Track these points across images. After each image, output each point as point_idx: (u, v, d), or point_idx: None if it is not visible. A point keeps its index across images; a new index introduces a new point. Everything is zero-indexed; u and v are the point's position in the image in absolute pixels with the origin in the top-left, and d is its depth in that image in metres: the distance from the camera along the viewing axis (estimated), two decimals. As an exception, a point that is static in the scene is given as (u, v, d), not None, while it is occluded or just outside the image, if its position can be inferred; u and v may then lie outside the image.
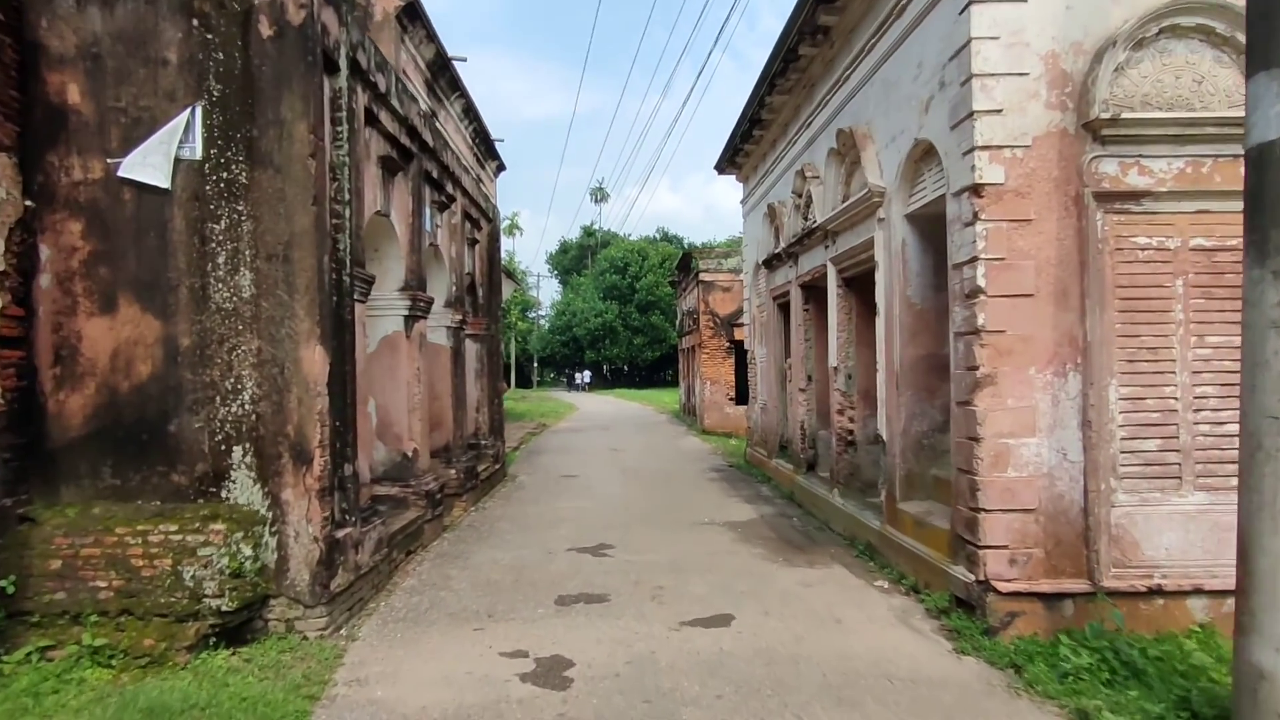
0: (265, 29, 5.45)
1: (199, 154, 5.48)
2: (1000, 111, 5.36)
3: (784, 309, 11.86)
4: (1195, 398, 5.32)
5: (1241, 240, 5.31)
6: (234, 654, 5.04)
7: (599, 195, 78.11)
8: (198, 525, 5.20)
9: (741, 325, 18.63)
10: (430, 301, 8.80)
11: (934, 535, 6.16)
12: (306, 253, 5.48)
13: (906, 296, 6.94)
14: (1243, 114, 5.24)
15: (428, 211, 8.99)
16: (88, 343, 5.52)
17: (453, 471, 9.91)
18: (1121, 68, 5.34)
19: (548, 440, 21.20)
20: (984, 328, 5.34)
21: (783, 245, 11.09)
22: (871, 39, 7.37)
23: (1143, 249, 5.36)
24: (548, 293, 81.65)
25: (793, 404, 11.21)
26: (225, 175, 5.48)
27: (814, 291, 10.31)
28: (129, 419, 5.49)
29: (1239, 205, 5.33)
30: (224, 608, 5.03)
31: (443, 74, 12.42)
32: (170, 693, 4.36)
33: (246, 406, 5.47)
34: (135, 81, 5.51)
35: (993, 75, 5.36)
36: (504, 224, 26.40)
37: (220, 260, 5.49)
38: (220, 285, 5.49)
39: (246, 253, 5.48)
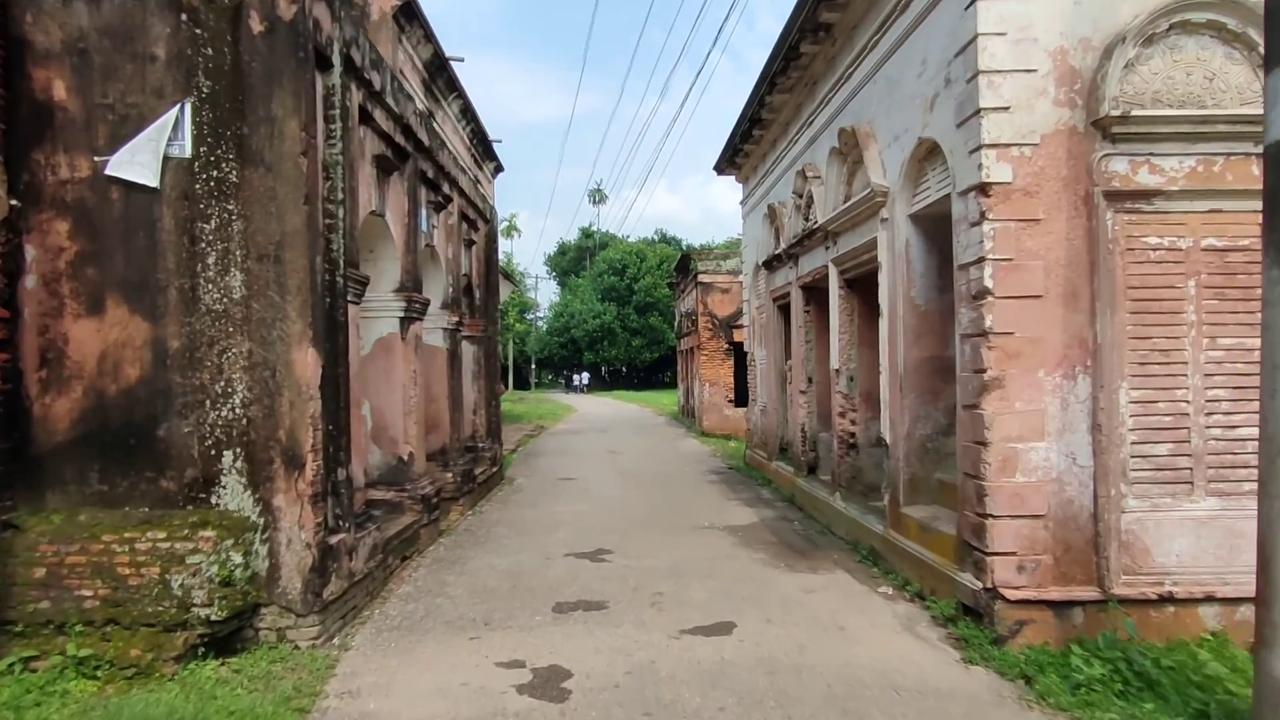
0: (256, 24, 5.33)
1: (188, 152, 5.35)
2: (1008, 109, 5.25)
3: (784, 310, 11.75)
4: (1207, 401, 5.21)
5: (1255, 240, 5.26)
6: (223, 664, 4.91)
7: (597, 197, 77.96)
8: (186, 532, 5.07)
9: (740, 327, 18.51)
10: (426, 303, 8.67)
11: (939, 541, 6.04)
12: (298, 253, 5.36)
13: (910, 298, 6.83)
14: (1255, 111, 5.18)
15: (424, 212, 8.87)
16: (75, 345, 5.38)
17: (449, 475, 9.79)
18: (1131, 64, 5.23)
19: (546, 442, 21.07)
20: (991, 329, 5.22)
21: (783, 246, 10.97)
22: (874, 36, 7.26)
23: (1154, 249, 5.25)
24: (546, 294, 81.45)
25: (793, 406, 11.10)
26: (215, 173, 5.35)
27: (815, 293, 10.20)
28: (117, 423, 5.35)
29: (1251, 204, 5.27)
30: (213, 617, 4.89)
31: (440, 74, 12.30)
32: (155, 705, 4.23)
33: (237, 410, 5.34)
34: (123, 77, 5.38)
35: (1000, 72, 5.25)
36: (502, 225, 26.21)
37: (210, 260, 5.37)
38: (210, 286, 5.37)
39: (237, 253, 5.35)
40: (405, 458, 8.24)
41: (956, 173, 5.66)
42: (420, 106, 9.64)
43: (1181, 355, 5.23)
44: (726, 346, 22.71)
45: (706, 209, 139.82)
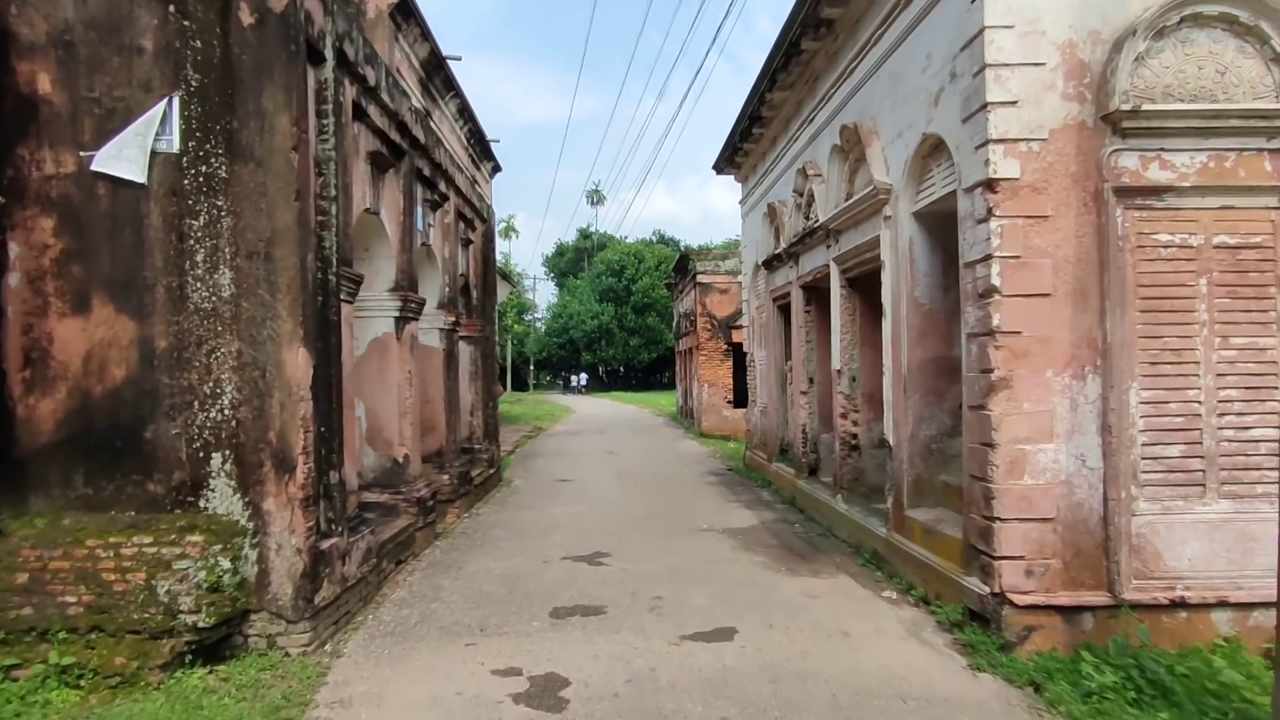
0: (245, 16, 5.20)
1: (176, 147, 5.22)
2: (1015, 103, 5.13)
3: (784, 310, 11.63)
4: (1220, 401, 5.09)
5: (1268, 237, 5.16)
6: (211, 673, 4.77)
7: (595, 198, 77.85)
8: (174, 537, 4.93)
9: (739, 327, 18.41)
10: (422, 302, 8.55)
11: (945, 544, 5.92)
12: (289, 250, 5.23)
13: (914, 297, 6.71)
14: (1268, 106, 5.08)
15: (420, 210, 8.75)
16: (59, 345, 5.25)
17: (445, 477, 9.66)
18: (1142, 58, 5.11)
19: (543, 444, 20.93)
20: (999, 328, 5.10)
21: (783, 245, 10.86)
22: (877, 30, 7.14)
23: (1165, 246, 5.13)
24: (544, 296, 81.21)
25: (794, 407, 10.97)
26: (204, 169, 5.22)
27: (816, 292, 10.08)
28: (102, 425, 5.22)
29: (1264, 201, 5.17)
30: (200, 624, 4.76)
31: (437, 73, 12.16)
32: (139, 716, 4.11)
33: (226, 412, 5.21)
34: (109, 70, 5.25)
35: (1007, 65, 5.14)
36: (500, 227, 26.09)
37: (199, 258, 5.23)
38: (199, 284, 5.23)
39: (226, 250, 5.22)
40: (400, 460, 8.11)
41: (962, 169, 5.54)
42: (417, 104, 9.52)
43: (1193, 355, 5.11)
44: (725, 347, 22.59)
45: (704, 210, 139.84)
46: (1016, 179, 5.12)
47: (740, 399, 20.69)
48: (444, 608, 6.24)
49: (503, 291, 22.15)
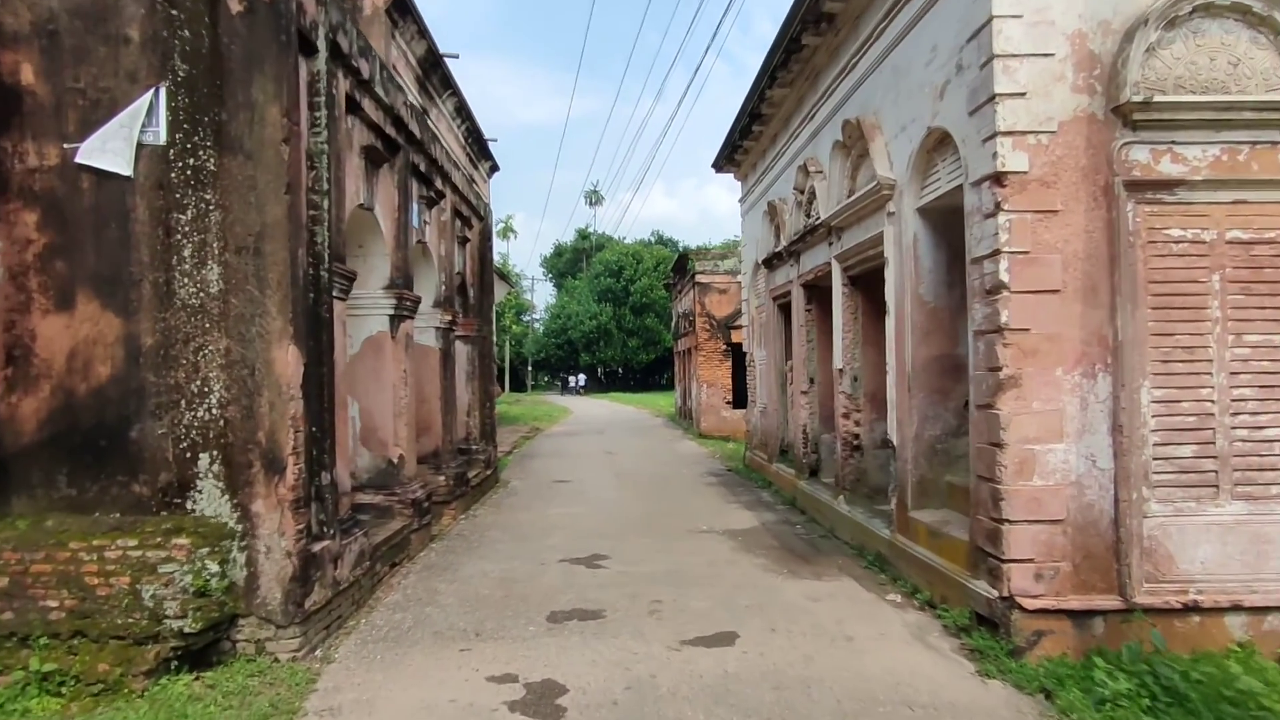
0: (234, 5, 5.07)
1: (163, 139, 5.09)
2: (1024, 95, 5.01)
3: (785, 309, 11.50)
4: (1233, 400, 4.97)
5: (1284, 231, 5.03)
6: (197, 679, 4.63)
7: (594, 198, 77.69)
8: (159, 540, 4.79)
9: (739, 327, 18.28)
10: (417, 301, 8.41)
11: (951, 546, 5.79)
12: (279, 245, 5.09)
13: (919, 294, 6.59)
14: (1283, 97, 4.95)
15: (415, 207, 8.61)
16: (43, 342, 5.11)
17: (441, 478, 9.52)
18: (1153, 48, 4.99)
19: (541, 444, 20.79)
20: (1007, 325, 4.98)
21: (784, 243, 10.74)
22: (880, 23, 7.02)
23: (1176, 242, 5.01)
24: (542, 296, 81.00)
25: (794, 407, 10.85)
26: (192, 161, 5.09)
27: (817, 291, 9.96)
28: (87, 424, 5.08)
29: (1278, 195, 5.05)
30: (187, 629, 4.62)
31: (435, 71, 12.02)
32: (122, 726, 3.96)
33: (214, 411, 5.07)
34: (95, 61, 5.12)
35: (1015, 56, 5.02)
36: (498, 227, 26.04)
37: (186, 253, 5.10)
38: (186, 280, 5.10)
39: (214, 245, 5.09)
40: (395, 460, 7.97)
41: (969, 163, 5.42)
42: (414, 100, 9.39)
43: (1206, 352, 4.99)
44: (724, 347, 22.47)
45: (703, 210, 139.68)
46: (1025, 172, 5.00)
47: (739, 399, 20.57)
48: (439, 612, 6.10)
49: (500, 291, 22.04)
